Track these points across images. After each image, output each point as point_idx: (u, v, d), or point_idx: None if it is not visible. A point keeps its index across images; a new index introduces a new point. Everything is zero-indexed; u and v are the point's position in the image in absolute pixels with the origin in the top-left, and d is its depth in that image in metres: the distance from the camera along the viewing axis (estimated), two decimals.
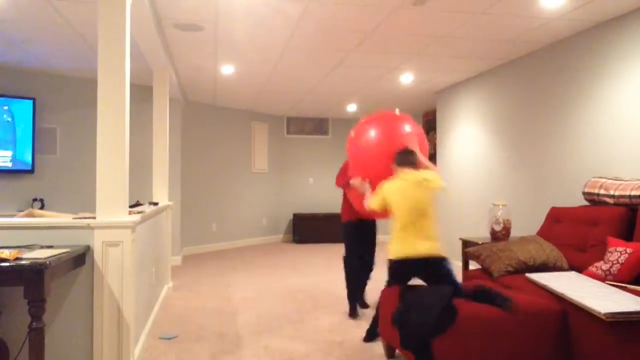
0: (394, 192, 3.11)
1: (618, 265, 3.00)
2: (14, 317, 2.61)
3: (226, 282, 5.70)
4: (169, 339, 3.64)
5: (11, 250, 2.28)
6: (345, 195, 4.21)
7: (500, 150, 5.55)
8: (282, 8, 3.87)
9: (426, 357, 2.67)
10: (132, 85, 6.39)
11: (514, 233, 5.13)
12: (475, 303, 2.77)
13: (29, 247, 2.52)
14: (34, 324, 2.19)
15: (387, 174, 3.22)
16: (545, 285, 2.99)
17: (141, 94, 6.57)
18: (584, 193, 3.80)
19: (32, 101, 5.85)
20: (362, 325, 3.94)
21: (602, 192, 3.61)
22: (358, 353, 3.33)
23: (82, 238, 2.70)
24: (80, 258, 2.63)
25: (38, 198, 5.95)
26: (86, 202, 6.15)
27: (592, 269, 3.16)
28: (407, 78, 6.21)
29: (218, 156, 8.46)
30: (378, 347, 3.43)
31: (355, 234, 4.22)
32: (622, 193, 3.42)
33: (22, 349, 2.58)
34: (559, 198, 4.60)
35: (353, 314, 4.17)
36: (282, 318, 4.18)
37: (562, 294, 2.80)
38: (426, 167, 3.25)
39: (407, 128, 3.48)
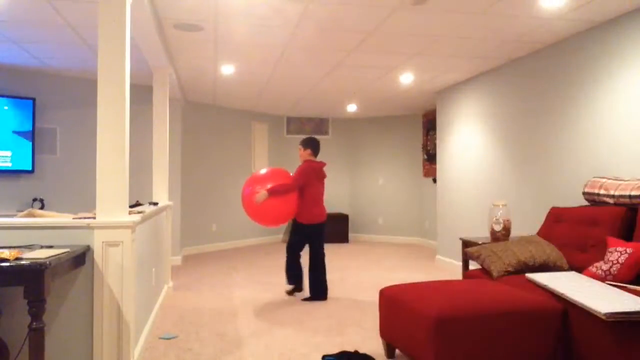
0: None
1: (618, 265, 3.00)
2: (14, 317, 2.61)
3: (226, 282, 5.70)
4: (169, 339, 3.64)
5: (11, 250, 2.28)
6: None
7: (500, 150, 5.55)
8: (282, 8, 3.87)
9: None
10: (132, 85, 6.41)
11: (514, 233, 5.13)
12: (472, 301, 2.77)
13: (29, 247, 2.52)
14: (34, 324, 2.18)
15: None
16: (545, 285, 3.00)
17: (141, 94, 6.57)
18: (584, 193, 3.80)
19: (32, 101, 5.85)
20: (363, 325, 3.95)
21: (602, 192, 3.62)
22: None
23: (82, 238, 2.70)
24: (80, 258, 2.63)
25: (38, 198, 5.95)
26: (86, 202, 6.15)
27: (592, 269, 3.16)
28: (407, 78, 6.21)
29: (218, 156, 8.46)
30: (378, 346, 3.43)
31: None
32: (622, 193, 3.42)
33: (22, 349, 2.58)
34: (559, 198, 4.60)
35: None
36: (282, 318, 4.18)
37: (562, 294, 2.80)
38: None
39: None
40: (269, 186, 4.60)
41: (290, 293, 5.06)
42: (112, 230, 2.72)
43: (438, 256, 7.04)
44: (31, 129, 5.86)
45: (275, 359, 3.23)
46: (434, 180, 8.57)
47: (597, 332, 2.57)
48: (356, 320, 4.11)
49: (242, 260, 7.23)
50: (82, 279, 2.71)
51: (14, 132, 5.79)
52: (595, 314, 2.50)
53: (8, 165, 5.76)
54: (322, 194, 4.88)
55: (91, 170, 6.21)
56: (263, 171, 4.81)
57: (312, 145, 4.92)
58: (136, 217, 2.89)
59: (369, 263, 7.01)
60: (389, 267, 6.68)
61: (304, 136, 9.78)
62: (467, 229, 6.25)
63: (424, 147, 8.99)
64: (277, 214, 4.67)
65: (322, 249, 4.90)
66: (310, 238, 4.86)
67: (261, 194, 4.53)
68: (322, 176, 4.90)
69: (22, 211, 4.67)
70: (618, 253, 3.04)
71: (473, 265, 5.39)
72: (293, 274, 5.01)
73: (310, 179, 4.75)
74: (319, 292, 4.85)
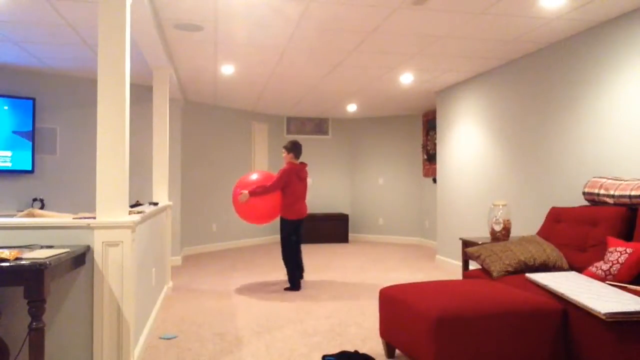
0: None
1: (618, 265, 3.00)
2: (14, 317, 2.61)
3: (226, 282, 5.70)
4: (169, 339, 3.64)
5: (11, 250, 2.28)
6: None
7: (500, 150, 5.55)
8: (282, 8, 3.87)
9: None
10: (132, 85, 6.42)
11: (514, 233, 5.13)
12: (472, 301, 2.77)
13: (29, 247, 2.52)
14: (34, 324, 2.18)
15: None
16: (545, 285, 3.00)
17: (141, 94, 6.58)
18: (584, 193, 3.80)
19: (32, 101, 5.85)
20: (363, 325, 3.95)
21: (602, 192, 3.62)
22: None
23: (82, 238, 2.70)
24: (80, 258, 2.63)
25: (38, 198, 5.95)
26: (86, 202, 6.16)
27: (592, 269, 3.16)
28: (407, 78, 6.21)
29: (218, 156, 8.46)
30: (378, 346, 3.43)
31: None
32: (622, 193, 3.42)
33: (22, 349, 2.58)
34: (559, 198, 4.60)
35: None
36: (282, 318, 4.18)
37: (562, 294, 2.80)
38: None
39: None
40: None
41: (287, 289, 5.32)
42: (112, 230, 2.72)
43: (438, 256, 7.04)
44: (31, 129, 5.86)
45: (275, 359, 3.23)
46: (434, 180, 8.57)
47: (597, 332, 2.57)
48: (356, 320, 4.11)
49: (242, 260, 7.24)
50: (82, 279, 2.71)
51: (14, 132, 5.79)
52: (595, 314, 2.50)
53: (8, 165, 5.76)
54: (303, 192, 5.35)
55: (91, 170, 6.21)
56: (254, 177, 5.27)
57: (294, 149, 5.37)
58: (136, 217, 2.89)
59: (369, 263, 7.02)
60: (389, 267, 6.68)
61: (304, 136, 9.81)
62: (467, 229, 6.25)
63: (424, 147, 8.99)
64: (260, 213, 5.22)
65: (299, 243, 5.40)
66: (296, 231, 5.32)
67: (243, 194, 5.09)
68: (304, 176, 5.36)
69: (22, 211, 4.67)
70: (618, 253, 3.04)
71: (473, 265, 5.40)
72: (292, 273, 5.34)
73: (291, 180, 5.22)
74: (299, 271, 5.38)
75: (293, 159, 5.37)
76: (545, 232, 3.94)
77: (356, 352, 3.24)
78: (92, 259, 2.71)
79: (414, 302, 2.86)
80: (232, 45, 4.84)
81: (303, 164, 5.39)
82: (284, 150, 5.41)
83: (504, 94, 5.49)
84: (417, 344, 2.75)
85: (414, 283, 3.21)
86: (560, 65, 4.60)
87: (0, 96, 5.71)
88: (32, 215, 2.94)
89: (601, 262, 3.13)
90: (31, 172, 5.88)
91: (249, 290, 5.27)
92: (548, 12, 3.92)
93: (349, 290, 5.24)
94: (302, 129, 9.84)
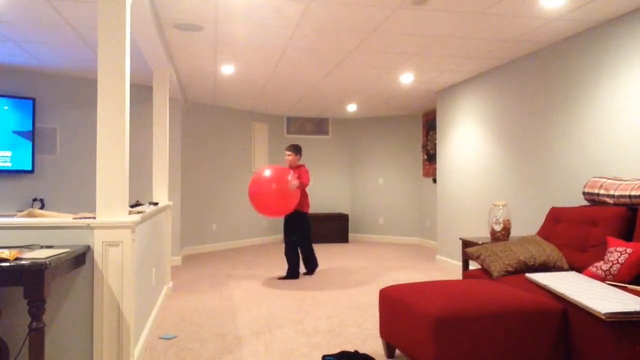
0: None
1: (618, 265, 3.00)
2: (14, 317, 2.61)
3: (226, 282, 5.70)
4: (169, 339, 3.64)
5: (11, 250, 2.28)
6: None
7: (500, 150, 5.55)
8: (282, 8, 3.87)
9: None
10: (132, 85, 6.42)
11: (514, 233, 5.13)
12: (472, 302, 2.77)
13: (29, 247, 2.52)
14: (34, 324, 2.19)
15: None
16: (545, 285, 3.00)
17: (141, 94, 6.57)
18: (584, 193, 3.81)
19: (32, 101, 5.85)
20: (363, 325, 3.95)
21: (602, 192, 3.62)
22: None
23: (82, 238, 2.70)
24: (80, 258, 2.63)
25: (38, 198, 5.95)
26: (86, 202, 6.16)
27: (592, 269, 3.16)
28: (407, 78, 6.21)
29: (218, 156, 8.46)
30: (378, 346, 3.43)
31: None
32: (622, 193, 3.42)
33: (22, 349, 2.58)
34: (559, 198, 4.60)
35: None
36: (282, 318, 4.18)
37: (562, 294, 2.80)
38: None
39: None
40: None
41: (306, 274, 6.00)
42: (112, 230, 2.72)
43: (438, 256, 7.04)
44: (31, 129, 5.86)
45: (275, 359, 3.23)
46: (434, 180, 8.57)
47: (597, 332, 2.57)
48: (356, 320, 4.11)
49: (242, 260, 7.23)
50: (82, 279, 2.71)
51: (14, 132, 5.79)
52: (595, 314, 2.50)
53: (8, 165, 5.76)
54: None
55: (91, 170, 6.21)
56: (267, 172, 5.50)
57: (299, 151, 5.95)
58: (136, 217, 2.89)
59: (369, 263, 7.02)
60: (389, 267, 6.68)
61: (304, 136, 9.81)
62: (467, 229, 6.25)
63: (424, 147, 8.99)
64: (281, 208, 5.53)
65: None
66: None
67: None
68: None
69: (22, 211, 4.67)
70: (618, 253, 3.04)
71: (473, 265, 5.40)
72: (312, 263, 6.01)
73: None
74: (295, 272, 5.92)
75: (299, 160, 5.97)
76: (545, 232, 3.94)
77: (356, 352, 3.24)
78: (92, 259, 2.71)
79: (414, 302, 2.86)
80: (232, 45, 4.84)
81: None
82: (290, 153, 5.90)
83: (504, 94, 5.49)
84: (417, 344, 2.75)
85: (414, 283, 3.21)
86: (560, 66, 4.60)
87: (0, 96, 5.71)
88: (32, 215, 2.94)
89: (601, 262, 3.13)
90: (31, 172, 5.88)
91: (249, 290, 5.27)
92: (548, 12, 3.92)
93: (349, 290, 5.24)
94: (302, 129, 9.84)
